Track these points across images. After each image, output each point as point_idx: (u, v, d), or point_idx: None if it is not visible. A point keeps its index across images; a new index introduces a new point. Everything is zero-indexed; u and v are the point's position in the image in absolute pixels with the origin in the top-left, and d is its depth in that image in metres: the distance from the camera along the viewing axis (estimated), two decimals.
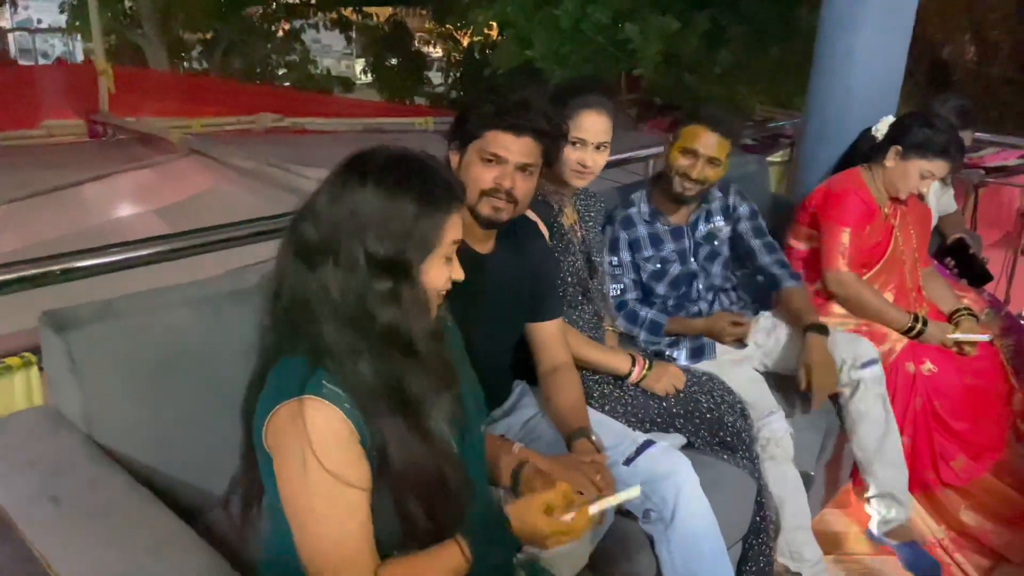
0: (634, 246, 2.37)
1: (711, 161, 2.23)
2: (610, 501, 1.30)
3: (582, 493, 1.50)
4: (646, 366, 2.02)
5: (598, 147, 2.01)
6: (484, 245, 1.74)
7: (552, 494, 1.20)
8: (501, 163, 1.64)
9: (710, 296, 2.41)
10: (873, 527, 2.41)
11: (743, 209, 2.45)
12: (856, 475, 2.45)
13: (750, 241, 2.45)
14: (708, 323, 2.31)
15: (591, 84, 2.05)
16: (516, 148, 1.64)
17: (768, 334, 2.41)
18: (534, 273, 1.82)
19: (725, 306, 2.41)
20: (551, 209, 2.04)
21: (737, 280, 2.51)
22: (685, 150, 2.25)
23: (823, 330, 2.26)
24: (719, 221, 2.44)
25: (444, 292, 1.23)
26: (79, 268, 1.77)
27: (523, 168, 1.65)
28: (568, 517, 1.21)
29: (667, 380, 2.02)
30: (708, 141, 2.23)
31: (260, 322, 1.21)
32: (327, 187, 1.17)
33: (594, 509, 1.25)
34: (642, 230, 2.38)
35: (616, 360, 2.03)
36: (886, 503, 2.37)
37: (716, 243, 2.43)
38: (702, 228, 2.42)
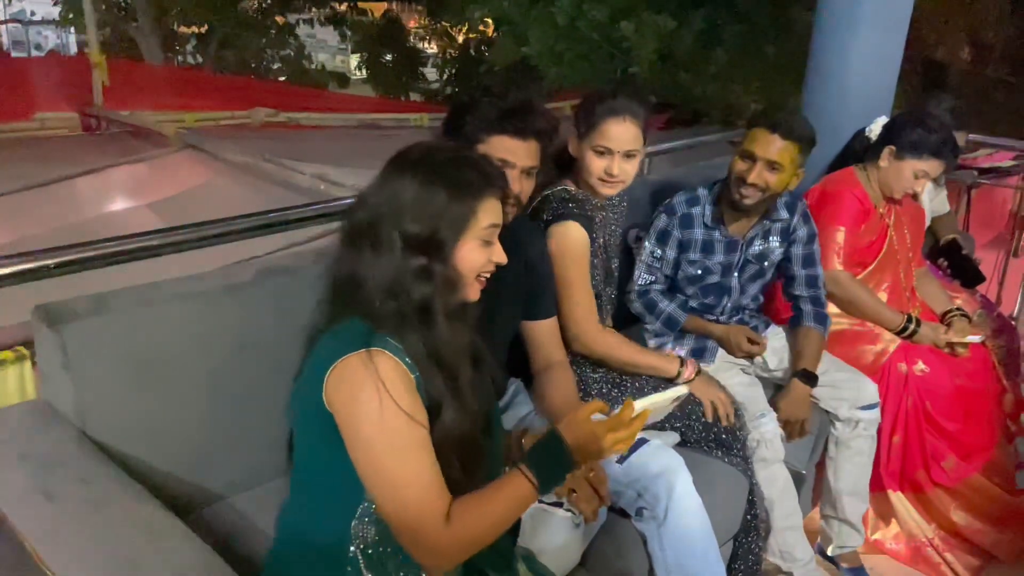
0: (683, 246, 2.29)
1: (771, 165, 2.11)
2: (655, 397, 1.31)
3: (574, 491, 1.51)
4: (696, 371, 2.04)
5: (627, 155, 1.93)
6: None
7: (595, 403, 1.26)
8: (508, 167, 1.61)
9: (733, 312, 2.37)
10: (828, 549, 2.44)
11: (802, 232, 2.32)
12: (818, 494, 2.48)
13: (795, 268, 2.34)
14: (726, 333, 2.27)
15: (618, 89, 1.96)
16: (522, 152, 1.63)
17: (775, 354, 2.37)
18: (531, 273, 1.82)
19: (744, 322, 2.37)
20: (592, 224, 1.97)
21: (762, 300, 2.46)
22: (743, 153, 2.16)
23: (811, 380, 2.23)
24: (775, 242, 2.31)
25: (486, 273, 1.31)
26: (72, 262, 1.76)
27: (528, 171, 1.65)
28: (615, 412, 1.25)
29: (713, 394, 2.02)
30: (767, 143, 2.12)
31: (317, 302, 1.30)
32: (375, 180, 1.29)
33: (639, 403, 1.27)
34: (698, 233, 2.28)
35: (663, 362, 2.05)
36: (846, 530, 2.40)
37: (765, 264, 2.32)
38: (757, 246, 2.30)
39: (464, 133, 1.63)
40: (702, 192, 2.31)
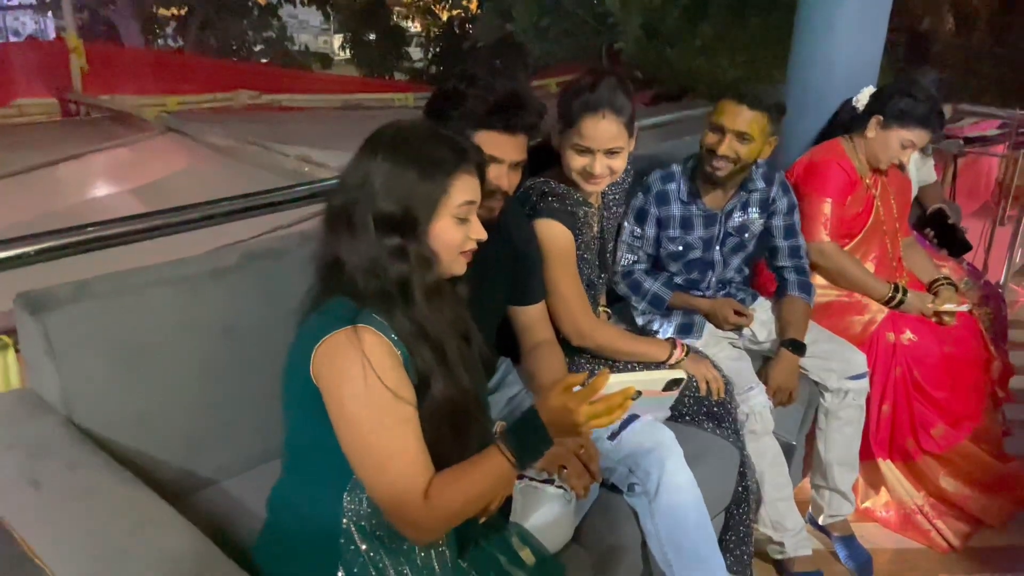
0: (662, 223, 2.27)
1: (740, 136, 2.10)
2: (643, 375, 1.26)
3: (565, 467, 1.51)
4: (685, 351, 2.04)
5: (609, 152, 1.85)
6: None
7: (571, 377, 1.23)
8: (496, 163, 1.58)
9: (719, 287, 2.36)
10: (819, 518, 2.46)
11: (782, 204, 2.31)
12: (808, 464, 2.49)
13: (777, 240, 2.33)
14: (713, 307, 2.26)
15: (597, 80, 1.84)
16: (511, 147, 1.60)
17: (763, 326, 2.37)
18: (517, 258, 1.80)
19: (731, 295, 2.36)
20: (575, 219, 1.93)
21: (748, 273, 2.45)
22: (712, 126, 2.15)
23: (799, 348, 2.24)
24: (754, 213, 2.30)
25: (466, 250, 1.31)
26: (53, 248, 1.74)
27: (516, 165, 1.63)
28: (588, 382, 1.21)
29: (705, 370, 2.02)
30: (734, 114, 2.11)
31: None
32: (349, 162, 1.29)
33: (623, 377, 1.22)
34: (675, 209, 2.26)
35: (655, 348, 2.04)
36: (836, 499, 2.42)
37: (746, 236, 2.30)
38: (736, 218, 2.28)
39: (449, 127, 1.55)
40: (676, 168, 2.30)
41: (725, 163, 2.14)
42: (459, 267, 1.31)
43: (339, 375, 1.18)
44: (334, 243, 1.26)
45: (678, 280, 2.33)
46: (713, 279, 2.33)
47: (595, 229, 2.05)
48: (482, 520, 1.38)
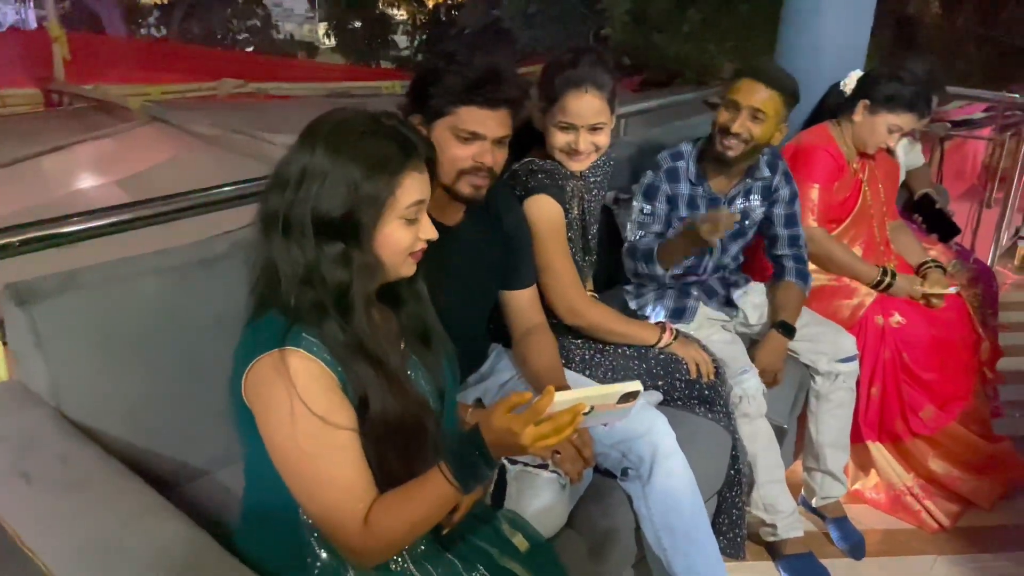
0: (672, 201, 2.24)
1: (755, 114, 2.09)
2: (588, 392, 1.14)
3: (559, 452, 1.51)
4: (674, 334, 2.03)
5: (592, 128, 1.86)
6: (452, 217, 1.70)
7: (515, 396, 1.13)
8: (479, 139, 1.57)
9: (714, 271, 2.35)
10: (811, 500, 2.48)
11: (784, 192, 2.30)
12: (799, 446, 2.51)
13: (777, 228, 2.32)
14: (687, 233, 2.09)
15: (578, 57, 1.86)
16: (493, 123, 1.57)
17: (755, 310, 2.37)
18: (507, 242, 1.79)
19: (725, 279, 2.36)
20: (564, 193, 1.92)
21: (743, 259, 2.45)
22: (728, 103, 2.13)
23: (788, 331, 2.24)
24: (756, 200, 2.29)
25: (416, 251, 1.23)
26: (38, 239, 1.72)
27: (500, 141, 1.61)
28: (532, 401, 1.11)
29: (694, 352, 2.01)
30: (751, 91, 2.09)
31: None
32: (285, 156, 1.18)
33: (574, 394, 1.12)
34: (684, 188, 2.24)
35: (645, 331, 2.03)
36: (828, 481, 2.43)
37: (746, 223, 2.30)
38: (738, 204, 2.28)
39: (430, 105, 1.56)
40: (685, 148, 2.28)
41: (737, 142, 2.12)
42: (407, 269, 1.24)
43: (266, 404, 1.13)
44: (267, 247, 1.17)
45: (686, 262, 2.29)
46: (709, 264, 2.33)
47: (576, 211, 2.03)
48: (445, 531, 1.32)
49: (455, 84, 1.54)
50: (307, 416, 1.10)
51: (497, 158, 1.61)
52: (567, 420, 1.10)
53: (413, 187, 1.18)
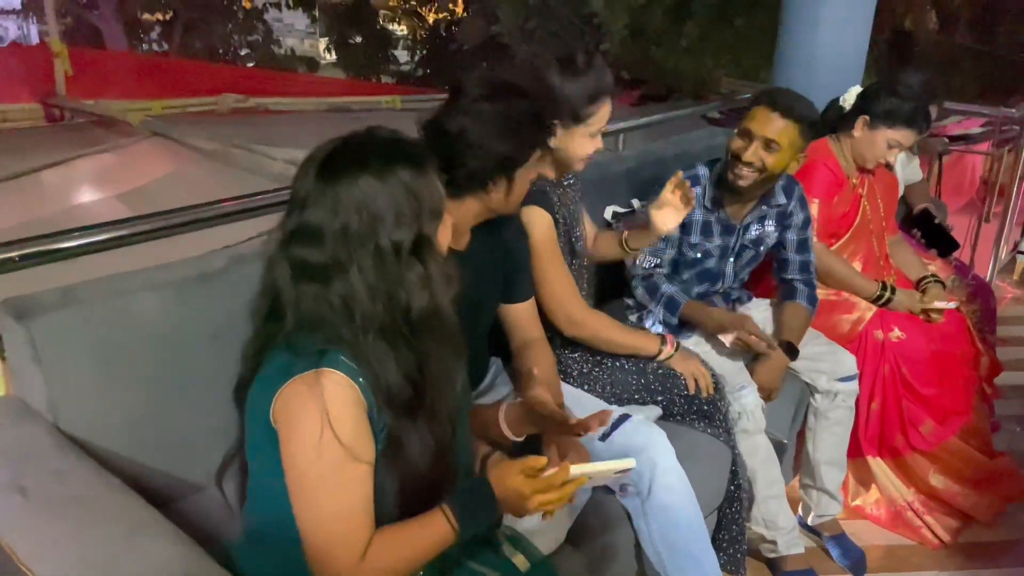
0: (684, 227, 2.18)
1: (768, 144, 2.05)
2: (598, 466, 1.24)
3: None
4: (675, 346, 2.02)
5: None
6: (461, 241, 1.69)
7: (532, 459, 1.18)
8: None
9: (723, 297, 2.36)
10: (808, 519, 2.47)
11: (798, 218, 2.29)
12: (798, 463, 2.50)
13: (789, 253, 2.31)
14: (730, 322, 2.16)
15: (604, 66, 1.89)
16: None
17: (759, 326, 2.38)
18: (508, 256, 1.78)
19: (727, 294, 2.36)
20: (551, 202, 1.93)
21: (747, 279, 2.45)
22: (741, 131, 2.11)
23: (792, 352, 2.23)
24: (771, 227, 2.28)
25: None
26: (38, 254, 1.72)
27: None
28: (548, 473, 1.19)
29: (694, 367, 2.00)
30: (765, 121, 2.06)
31: (252, 312, 1.23)
32: (314, 202, 1.14)
33: (577, 469, 1.19)
34: (698, 214, 2.21)
35: (645, 341, 2.02)
36: (824, 499, 2.42)
37: (760, 248, 2.30)
38: (753, 231, 2.26)
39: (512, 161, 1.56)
40: (702, 171, 2.24)
41: (749, 171, 2.09)
42: None
43: (295, 426, 1.11)
44: (320, 301, 1.13)
45: (694, 289, 2.30)
46: (721, 290, 2.33)
47: (560, 219, 2.01)
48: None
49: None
50: (334, 445, 1.09)
51: None
52: (569, 490, 1.18)
53: (440, 184, 1.21)
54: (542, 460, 1.17)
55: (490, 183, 1.56)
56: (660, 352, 2.01)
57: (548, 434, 1.54)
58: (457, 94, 1.56)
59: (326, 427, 1.09)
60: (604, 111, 1.87)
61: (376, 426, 1.15)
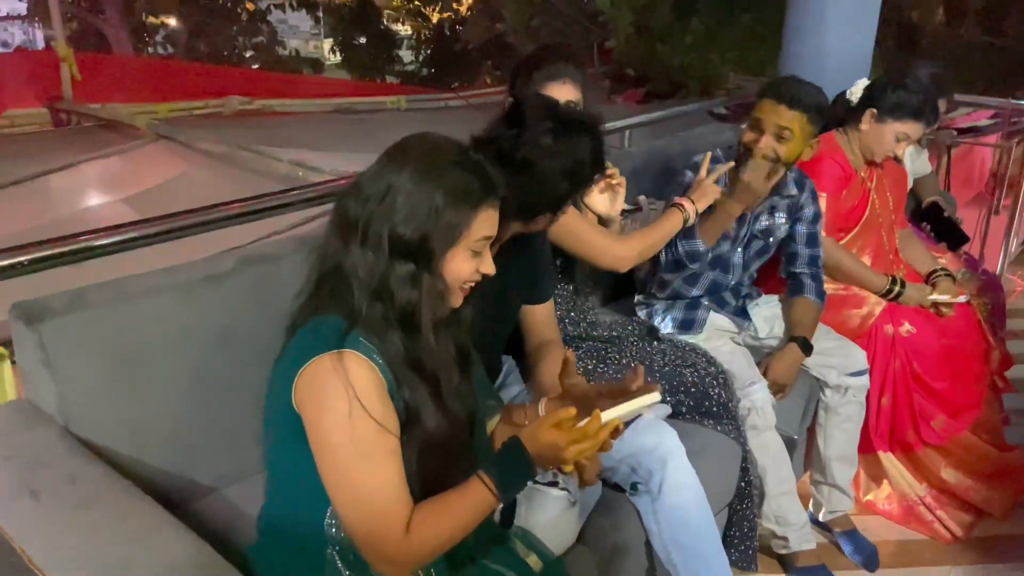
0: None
1: (779, 135, 2.07)
2: (625, 407, 1.23)
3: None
4: (692, 202, 2.04)
5: None
6: (493, 249, 1.68)
7: (562, 411, 1.19)
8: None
9: (736, 292, 2.35)
10: (819, 514, 2.46)
11: (808, 212, 2.30)
12: (809, 459, 2.49)
13: (798, 247, 2.32)
14: (741, 189, 2.11)
15: (554, 54, 1.95)
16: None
17: (765, 322, 2.36)
18: (531, 258, 1.77)
19: (738, 291, 2.36)
20: None
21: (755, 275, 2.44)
22: (750, 124, 2.13)
23: (806, 347, 2.23)
24: (781, 218, 2.29)
25: (472, 283, 1.26)
26: (47, 258, 1.72)
27: None
28: (581, 424, 1.20)
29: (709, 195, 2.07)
30: (773, 112, 2.08)
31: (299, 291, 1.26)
32: (373, 167, 1.21)
33: (607, 414, 1.20)
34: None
35: (670, 221, 2.04)
36: (835, 495, 2.41)
37: (770, 240, 2.30)
38: (763, 221, 2.27)
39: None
40: (720, 154, 2.25)
41: (764, 163, 2.09)
42: (456, 300, 1.25)
43: (322, 405, 1.13)
44: (339, 250, 1.19)
45: (707, 278, 2.30)
46: (732, 282, 2.32)
47: None
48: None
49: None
50: (364, 418, 1.11)
51: None
52: (604, 436, 1.18)
53: (487, 222, 1.22)
54: (572, 411, 1.19)
55: (540, 216, 1.59)
56: (687, 214, 2.03)
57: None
58: (518, 118, 1.54)
59: (355, 402, 1.11)
60: (550, 94, 1.82)
61: (397, 405, 1.17)
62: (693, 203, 2.05)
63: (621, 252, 1.98)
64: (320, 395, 1.13)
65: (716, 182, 2.10)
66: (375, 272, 1.17)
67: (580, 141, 1.54)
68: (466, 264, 1.22)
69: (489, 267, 1.26)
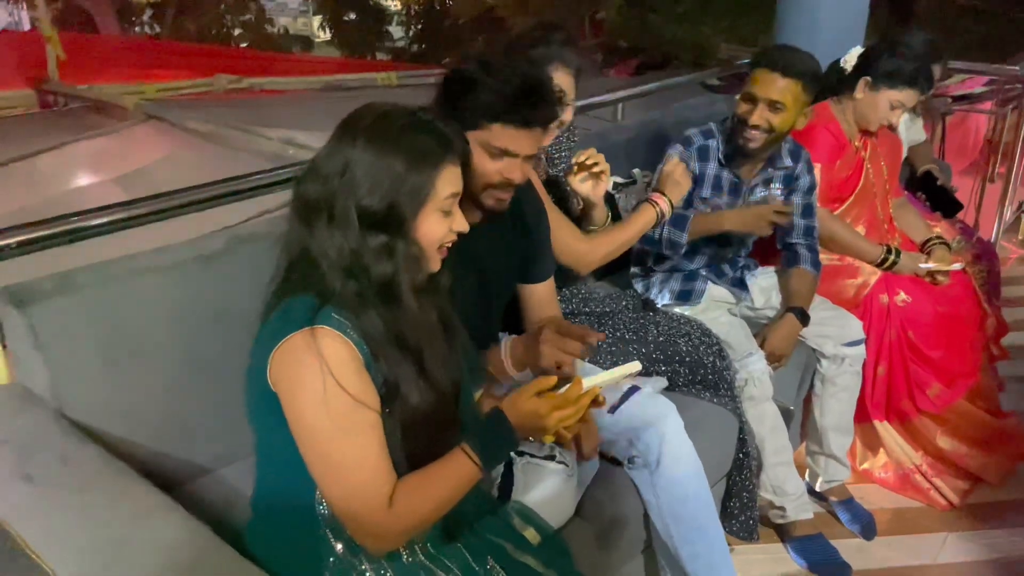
0: (697, 180, 2.20)
1: (773, 105, 2.07)
2: (606, 375, 1.25)
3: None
4: (666, 200, 1.99)
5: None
6: (474, 215, 1.66)
7: (543, 379, 1.20)
8: (509, 156, 1.50)
9: (732, 264, 2.36)
10: (815, 484, 2.47)
11: (803, 181, 2.30)
12: (805, 429, 2.50)
13: (794, 217, 2.30)
14: (741, 218, 2.15)
15: (546, 36, 1.90)
16: (526, 142, 1.49)
17: (762, 293, 2.36)
18: (528, 235, 1.74)
19: (734, 261, 2.37)
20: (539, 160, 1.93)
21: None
22: (744, 95, 2.12)
23: (803, 317, 2.23)
24: (777, 189, 2.29)
25: (447, 243, 1.25)
26: (35, 240, 1.70)
27: (530, 157, 1.54)
28: (562, 390, 1.20)
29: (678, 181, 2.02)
30: (767, 83, 2.07)
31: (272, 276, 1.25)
32: (325, 147, 1.20)
33: (589, 382, 1.20)
34: (712, 168, 2.23)
35: (642, 218, 1.98)
36: (832, 465, 2.42)
37: None
38: (759, 192, 2.27)
39: (461, 117, 1.45)
40: (714, 126, 2.26)
41: (758, 133, 2.11)
42: (435, 263, 1.25)
43: (297, 382, 1.12)
44: (305, 235, 1.18)
45: (705, 249, 2.29)
46: (730, 253, 2.32)
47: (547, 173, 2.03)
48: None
49: (490, 101, 1.46)
50: (339, 393, 1.10)
51: (525, 172, 1.54)
52: (585, 403, 1.19)
53: (451, 179, 1.21)
54: (552, 380, 1.19)
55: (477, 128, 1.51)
56: (660, 213, 1.98)
57: (546, 358, 1.49)
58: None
59: (328, 377, 1.10)
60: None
61: (376, 379, 1.16)
62: (666, 196, 2.00)
63: (586, 255, 1.93)
64: (294, 373, 1.12)
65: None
66: (345, 250, 1.16)
67: (519, 66, 1.52)
68: (438, 225, 1.22)
69: (462, 224, 1.25)
